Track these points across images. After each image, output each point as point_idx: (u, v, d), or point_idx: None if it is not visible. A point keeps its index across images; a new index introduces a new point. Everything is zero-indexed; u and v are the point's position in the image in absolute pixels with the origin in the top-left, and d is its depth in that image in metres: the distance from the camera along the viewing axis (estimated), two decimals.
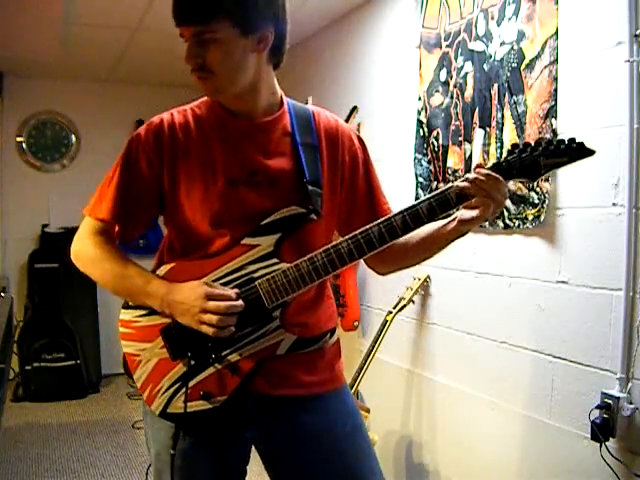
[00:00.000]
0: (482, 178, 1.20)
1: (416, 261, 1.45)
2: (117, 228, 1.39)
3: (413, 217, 1.24)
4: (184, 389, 1.32)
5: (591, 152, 1.20)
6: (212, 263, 1.34)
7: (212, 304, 1.25)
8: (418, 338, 2.85)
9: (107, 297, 4.94)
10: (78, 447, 3.61)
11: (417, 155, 2.81)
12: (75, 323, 4.58)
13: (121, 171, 1.37)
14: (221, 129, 1.38)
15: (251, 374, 1.32)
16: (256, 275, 1.31)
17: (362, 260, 1.38)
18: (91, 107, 4.99)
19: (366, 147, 1.50)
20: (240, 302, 1.27)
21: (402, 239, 1.31)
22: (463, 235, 1.31)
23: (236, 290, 1.29)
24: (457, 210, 1.27)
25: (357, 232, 1.27)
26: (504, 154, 1.28)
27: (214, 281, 1.32)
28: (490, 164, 1.24)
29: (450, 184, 1.25)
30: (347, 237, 1.27)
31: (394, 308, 2.75)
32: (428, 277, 2.74)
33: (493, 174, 1.20)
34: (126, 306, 1.42)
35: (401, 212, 1.25)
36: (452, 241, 1.33)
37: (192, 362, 1.32)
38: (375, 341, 2.74)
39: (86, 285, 4.77)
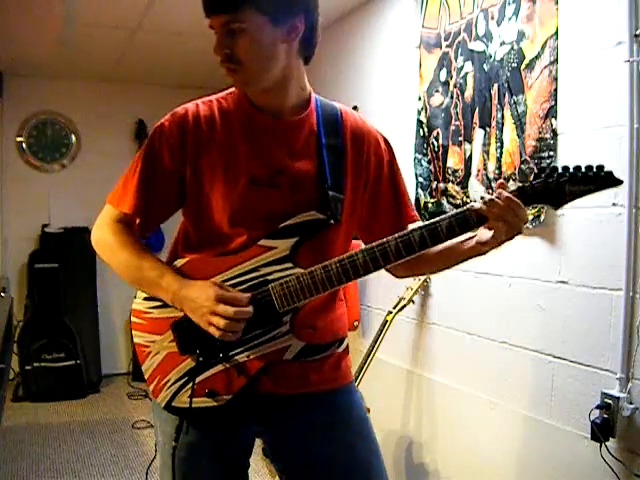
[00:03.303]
0: (501, 203, 1.18)
1: (433, 270, 1.45)
2: (138, 221, 1.39)
3: (431, 235, 1.23)
4: (190, 384, 1.32)
5: (619, 182, 1.17)
6: (228, 261, 1.33)
7: (221, 307, 1.24)
8: (418, 338, 2.85)
9: (107, 297, 4.96)
10: (78, 447, 3.60)
11: (417, 155, 2.81)
12: (75, 323, 4.58)
13: (144, 163, 1.36)
14: (247, 125, 1.35)
15: (257, 375, 1.33)
16: (270, 278, 1.30)
17: None
18: (91, 107, 4.99)
19: (393, 150, 1.49)
20: (250, 308, 1.26)
21: None
22: (482, 254, 1.29)
23: (248, 295, 1.28)
24: (477, 229, 1.26)
25: (374, 244, 1.25)
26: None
27: (228, 279, 1.31)
28: (515, 187, 1.21)
29: (469, 205, 1.23)
30: (364, 248, 1.26)
31: (394, 308, 2.75)
32: (428, 277, 2.74)
33: (514, 199, 1.18)
34: (139, 297, 1.42)
35: (420, 228, 1.24)
36: (470, 257, 1.31)
37: (200, 359, 1.32)
38: (375, 341, 2.74)
39: (86, 285, 4.79)
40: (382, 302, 3.05)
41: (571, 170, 1.18)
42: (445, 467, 2.66)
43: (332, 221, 1.32)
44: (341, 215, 1.34)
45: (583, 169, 1.17)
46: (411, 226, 1.43)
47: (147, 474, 3.23)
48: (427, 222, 1.24)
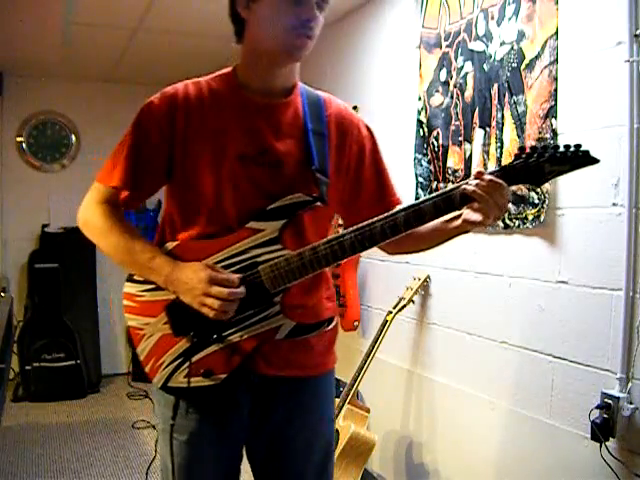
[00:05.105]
0: (485, 184, 1.22)
1: (420, 248, 1.48)
2: (125, 194, 1.40)
3: (416, 216, 1.27)
4: (186, 364, 1.34)
5: (595, 160, 1.21)
6: (217, 244, 1.35)
7: (215, 289, 1.26)
8: (418, 338, 2.85)
9: (107, 297, 4.95)
10: (78, 447, 3.61)
11: (417, 155, 2.81)
12: (75, 323, 4.58)
13: (132, 138, 1.38)
14: (236, 103, 1.38)
15: (251, 354, 1.35)
16: (260, 260, 1.32)
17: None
18: (91, 107, 4.99)
19: (375, 137, 1.52)
20: (242, 289, 1.29)
21: None
22: (466, 232, 1.34)
23: (239, 275, 1.31)
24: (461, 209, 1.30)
25: (361, 225, 1.29)
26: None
27: (218, 262, 1.33)
28: (497, 168, 1.26)
29: (454, 185, 1.26)
30: (351, 230, 1.29)
31: (394, 308, 2.75)
32: (428, 277, 2.74)
33: (496, 180, 1.22)
34: (131, 279, 1.44)
35: (405, 209, 1.27)
36: (455, 236, 1.36)
37: (194, 339, 1.34)
38: (375, 341, 2.74)
39: (86, 285, 4.80)
40: (382, 302, 3.05)
41: (550, 150, 1.22)
42: (445, 467, 2.66)
43: (319, 203, 1.35)
44: (327, 197, 1.37)
45: (562, 148, 1.21)
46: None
47: (147, 474, 3.23)
48: (412, 203, 1.28)
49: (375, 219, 1.28)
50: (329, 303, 1.50)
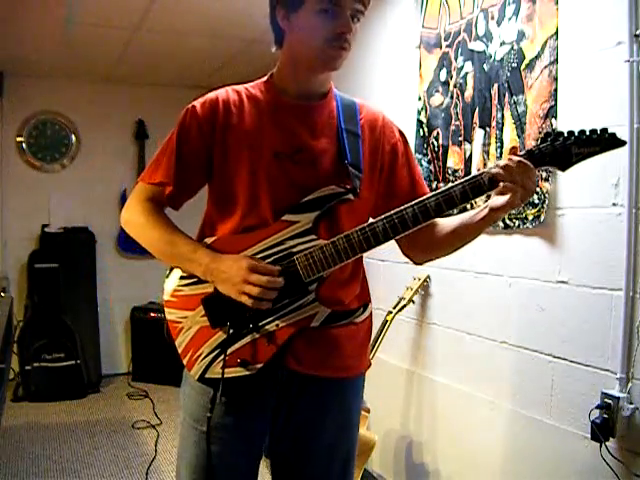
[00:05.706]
0: (513, 165, 1.24)
1: (450, 250, 1.50)
2: (170, 191, 1.44)
3: (446, 200, 1.29)
4: (222, 356, 1.37)
5: (622, 142, 1.24)
6: (254, 237, 1.39)
7: (255, 276, 1.30)
8: (418, 338, 2.85)
9: (107, 297, 4.95)
10: (78, 447, 3.60)
11: (417, 155, 2.81)
12: (75, 323, 4.57)
13: (176, 139, 1.44)
14: (273, 106, 1.45)
15: (286, 344, 1.37)
16: (295, 250, 1.36)
17: (399, 248, 1.48)
18: (91, 107, 4.99)
19: (407, 140, 1.57)
20: (281, 279, 1.32)
21: (436, 229, 1.42)
22: (495, 222, 1.37)
23: (278, 268, 1.34)
24: (488, 195, 1.32)
25: (392, 212, 1.32)
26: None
27: (255, 254, 1.37)
28: (523, 152, 1.28)
29: (482, 170, 1.29)
30: (382, 217, 1.33)
31: (394, 308, 2.75)
32: (428, 277, 2.74)
33: (524, 161, 1.25)
34: (169, 276, 1.48)
35: (435, 195, 1.30)
36: (484, 228, 1.38)
37: (231, 330, 1.37)
38: (375, 341, 2.74)
39: (86, 285, 4.79)
40: (382, 302, 3.05)
41: (576, 133, 1.24)
42: (445, 467, 2.66)
43: (351, 195, 1.38)
44: (359, 190, 1.41)
45: (587, 132, 1.23)
46: None
47: (147, 474, 3.24)
48: (441, 189, 1.30)
49: (406, 205, 1.31)
50: (364, 292, 1.54)
